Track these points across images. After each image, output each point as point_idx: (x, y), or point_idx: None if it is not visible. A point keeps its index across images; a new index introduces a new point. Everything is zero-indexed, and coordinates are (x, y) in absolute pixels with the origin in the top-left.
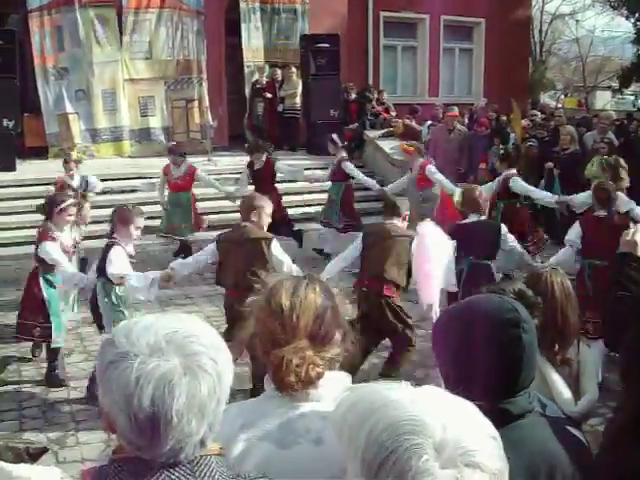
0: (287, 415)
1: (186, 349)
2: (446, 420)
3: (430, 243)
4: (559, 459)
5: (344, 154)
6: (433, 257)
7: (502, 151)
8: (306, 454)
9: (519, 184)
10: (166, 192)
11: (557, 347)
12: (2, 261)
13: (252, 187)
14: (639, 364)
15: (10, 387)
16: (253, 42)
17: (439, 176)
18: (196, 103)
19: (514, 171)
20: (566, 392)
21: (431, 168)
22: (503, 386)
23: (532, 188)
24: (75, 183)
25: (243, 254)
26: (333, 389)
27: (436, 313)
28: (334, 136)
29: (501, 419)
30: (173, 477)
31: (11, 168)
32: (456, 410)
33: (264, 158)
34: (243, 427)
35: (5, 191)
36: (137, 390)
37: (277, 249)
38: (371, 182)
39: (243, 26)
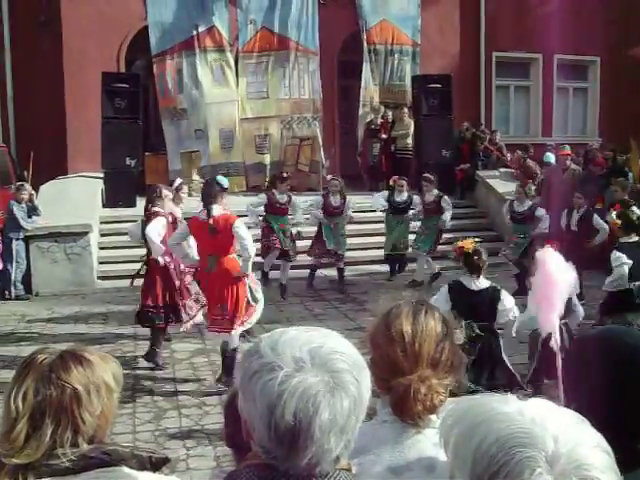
0: (400, 441)
1: (330, 365)
2: (557, 432)
3: (553, 270)
4: None
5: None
6: (555, 285)
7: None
8: None
9: None
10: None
11: None
12: (121, 292)
13: None
14: None
15: (125, 410)
16: (370, 83)
17: None
18: (309, 142)
19: None
20: None
21: None
22: (636, 427)
23: None
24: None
25: None
26: None
27: (557, 342)
28: (428, 175)
29: (633, 460)
30: None
31: (132, 204)
32: (567, 422)
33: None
34: (356, 451)
35: (125, 226)
36: (281, 402)
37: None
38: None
39: (364, 66)
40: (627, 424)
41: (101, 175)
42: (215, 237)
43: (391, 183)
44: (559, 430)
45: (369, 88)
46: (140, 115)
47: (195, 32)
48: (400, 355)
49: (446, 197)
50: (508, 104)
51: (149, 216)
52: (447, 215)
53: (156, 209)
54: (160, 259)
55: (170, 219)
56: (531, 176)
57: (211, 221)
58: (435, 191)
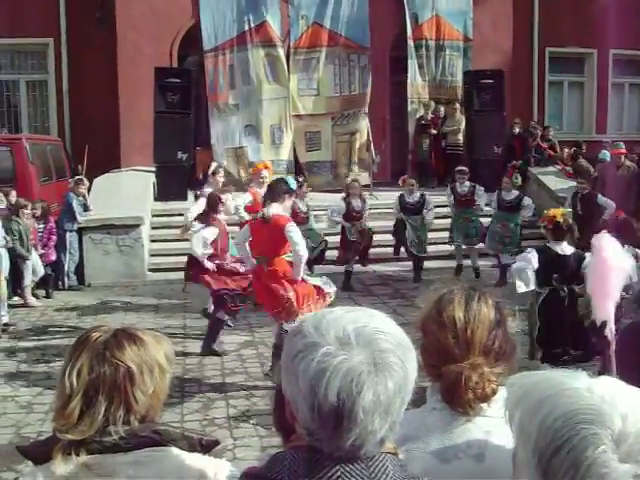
0: (450, 429)
1: (374, 345)
2: (626, 411)
3: (609, 257)
4: None
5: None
6: (611, 271)
7: None
8: (466, 470)
9: None
10: None
11: None
12: (170, 285)
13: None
14: None
15: (173, 400)
16: (418, 79)
17: None
18: (358, 135)
19: None
20: None
21: None
22: None
23: None
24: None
25: None
26: (499, 404)
27: (611, 330)
28: (463, 167)
29: None
30: (347, 472)
31: (183, 197)
32: (637, 402)
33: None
34: (405, 438)
35: (176, 219)
36: (324, 382)
37: None
38: None
39: (410, 62)
40: None
41: (153, 169)
42: (263, 237)
43: (400, 183)
44: (628, 409)
45: (416, 84)
46: (192, 110)
47: (247, 27)
48: (452, 341)
49: (479, 186)
50: (561, 100)
51: (209, 221)
52: (482, 201)
53: (218, 216)
54: (208, 264)
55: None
56: (583, 174)
57: (263, 220)
58: (468, 183)
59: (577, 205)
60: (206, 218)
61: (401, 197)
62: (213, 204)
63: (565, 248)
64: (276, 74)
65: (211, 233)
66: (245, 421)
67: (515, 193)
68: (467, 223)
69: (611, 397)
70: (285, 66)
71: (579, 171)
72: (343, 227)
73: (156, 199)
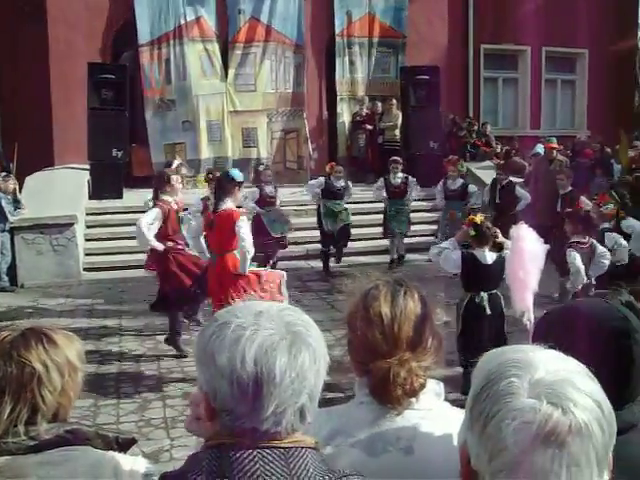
0: (379, 422)
1: (286, 319)
2: (552, 368)
3: (526, 247)
4: None
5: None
6: (528, 262)
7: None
8: (395, 463)
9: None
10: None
11: None
12: (107, 284)
13: None
14: None
15: (109, 401)
16: (348, 76)
17: None
18: (295, 134)
19: None
20: None
21: None
22: (608, 399)
23: None
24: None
25: None
26: (428, 397)
27: (530, 320)
28: (397, 157)
29: None
30: (267, 467)
31: (118, 196)
32: (569, 366)
33: None
34: (332, 433)
35: (112, 217)
36: (240, 350)
37: None
38: None
39: (337, 60)
40: (610, 392)
41: (87, 167)
42: (214, 232)
43: (327, 169)
44: (556, 367)
45: (344, 81)
46: (127, 106)
47: (183, 22)
48: (379, 337)
49: (411, 177)
50: (497, 96)
51: (158, 204)
52: (413, 192)
53: (165, 197)
54: (157, 245)
55: (176, 206)
56: (518, 170)
57: (213, 215)
58: (401, 174)
59: (496, 194)
60: (155, 202)
61: (326, 181)
62: (158, 185)
63: (487, 255)
64: (213, 69)
65: (151, 217)
66: (182, 421)
67: (460, 181)
68: (400, 214)
69: (548, 357)
70: (221, 61)
71: (513, 167)
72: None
73: (91, 197)
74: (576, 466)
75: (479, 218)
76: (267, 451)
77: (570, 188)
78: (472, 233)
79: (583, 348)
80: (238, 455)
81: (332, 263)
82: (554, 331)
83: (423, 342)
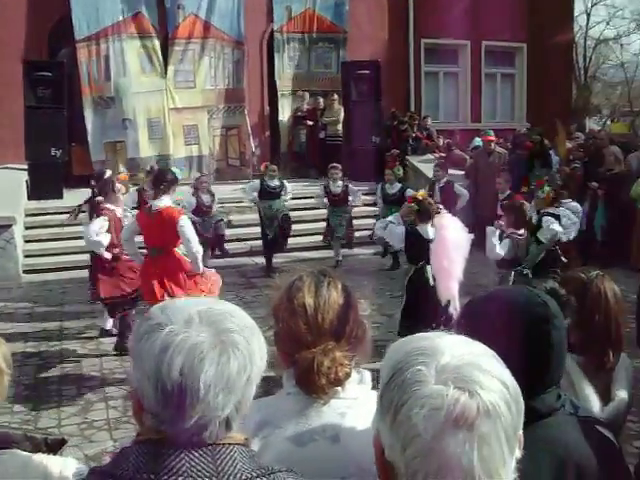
0: (305, 413)
1: (219, 324)
2: (458, 352)
3: (449, 237)
4: (587, 459)
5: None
6: (452, 251)
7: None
8: (322, 452)
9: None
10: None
11: (610, 356)
12: (48, 286)
13: None
14: None
15: (50, 405)
16: (287, 71)
17: None
18: (236, 131)
19: None
20: (592, 396)
21: None
22: (529, 384)
23: None
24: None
25: None
26: (353, 386)
27: (456, 309)
28: (337, 164)
29: (527, 417)
30: (193, 463)
31: (58, 196)
32: (474, 350)
33: None
34: (260, 424)
35: (52, 218)
36: (167, 358)
37: None
38: None
39: (276, 56)
40: (522, 381)
41: (25, 167)
42: (154, 229)
43: (261, 168)
44: (461, 352)
45: (286, 77)
46: (65, 104)
47: (121, 17)
48: (303, 328)
49: (351, 185)
50: (437, 90)
51: (99, 211)
52: (355, 200)
53: (107, 205)
54: (106, 254)
55: (119, 213)
56: (459, 163)
57: (153, 210)
58: (341, 182)
59: (434, 195)
60: (96, 208)
61: (262, 181)
62: (105, 191)
63: (429, 230)
64: (152, 66)
65: (98, 226)
66: (125, 422)
67: (398, 186)
68: (339, 220)
69: (453, 342)
70: (161, 58)
71: (454, 161)
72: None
73: (30, 198)
74: (487, 446)
75: (421, 194)
76: (194, 448)
77: (508, 192)
78: (415, 208)
79: (504, 334)
80: (164, 452)
81: (277, 259)
82: (476, 318)
83: (347, 332)
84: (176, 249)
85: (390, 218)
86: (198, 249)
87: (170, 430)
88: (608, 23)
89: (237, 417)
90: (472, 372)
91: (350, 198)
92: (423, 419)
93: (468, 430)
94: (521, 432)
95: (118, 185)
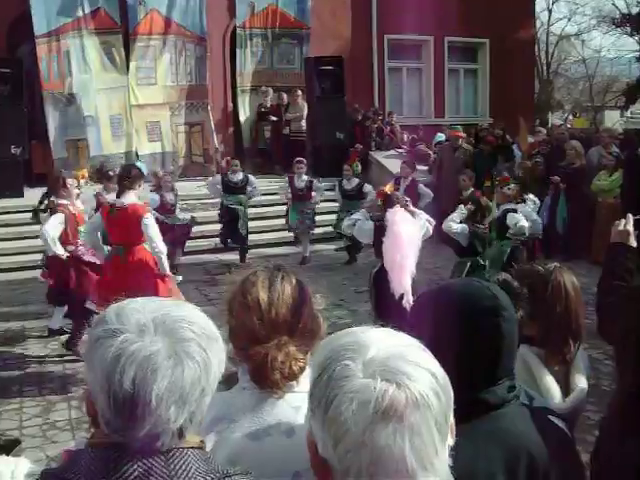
0: (259, 407)
1: (175, 333)
2: (384, 345)
3: (401, 231)
4: (539, 449)
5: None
6: (405, 246)
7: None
8: (277, 446)
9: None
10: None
11: (571, 346)
12: (9, 286)
13: None
14: (632, 350)
15: (12, 406)
16: (250, 67)
17: None
18: (199, 128)
19: None
20: (554, 388)
21: None
22: (481, 376)
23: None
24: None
25: None
26: (308, 380)
27: (409, 302)
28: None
29: (480, 409)
30: (146, 467)
31: (19, 194)
32: (399, 342)
33: None
34: (215, 419)
35: (12, 217)
36: (119, 369)
37: None
38: None
39: (238, 52)
40: (465, 375)
41: None
42: (119, 226)
43: (224, 164)
44: (386, 344)
45: (248, 73)
46: (25, 101)
47: (81, 13)
48: (257, 323)
49: (316, 181)
50: (401, 86)
51: (53, 209)
52: (319, 195)
53: (61, 201)
54: (60, 251)
55: (74, 210)
56: (423, 158)
57: (117, 205)
58: (305, 177)
59: (399, 189)
60: (52, 208)
61: (224, 177)
62: (55, 187)
63: None
64: (114, 62)
65: (54, 223)
66: (88, 422)
67: (356, 181)
68: (304, 215)
69: (378, 336)
70: (123, 54)
71: (419, 156)
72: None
73: None
74: (418, 436)
75: (389, 188)
76: (147, 454)
77: (471, 189)
78: (379, 204)
79: (454, 327)
80: (117, 457)
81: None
82: (426, 311)
83: (301, 326)
84: (144, 245)
85: (356, 215)
86: (161, 248)
87: (122, 438)
88: (569, 20)
89: (191, 427)
90: (399, 364)
91: (314, 194)
92: (352, 413)
93: (398, 421)
94: (453, 420)
95: (69, 180)
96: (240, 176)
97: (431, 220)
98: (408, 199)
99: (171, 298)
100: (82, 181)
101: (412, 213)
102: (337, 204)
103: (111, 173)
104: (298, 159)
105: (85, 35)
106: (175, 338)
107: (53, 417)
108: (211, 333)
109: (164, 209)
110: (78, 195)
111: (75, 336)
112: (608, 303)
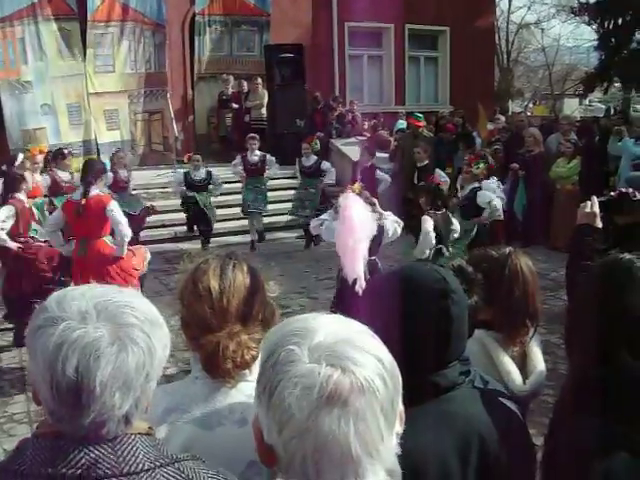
0: (212, 396)
1: (118, 319)
2: (330, 330)
3: (353, 216)
4: (489, 432)
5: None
6: (356, 230)
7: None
8: (229, 435)
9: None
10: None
11: (529, 329)
12: None
13: None
14: (581, 327)
15: None
16: (208, 54)
17: None
18: (159, 116)
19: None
20: (514, 371)
21: None
22: (431, 359)
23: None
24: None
25: None
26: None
27: (362, 287)
28: (254, 134)
29: (430, 392)
30: (93, 455)
31: None
32: (348, 328)
33: None
34: (168, 410)
35: None
36: (61, 357)
37: None
38: None
39: (197, 39)
40: (415, 358)
41: None
42: (83, 219)
43: (185, 160)
44: (333, 330)
45: (206, 60)
46: None
47: None
48: (208, 312)
49: (269, 156)
50: (362, 73)
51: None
52: (273, 170)
53: (17, 195)
54: (10, 244)
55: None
56: (384, 145)
57: (83, 202)
58: (259, 152)
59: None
60: (5, 198)
61: (186, 174)
62: (12, 184)
63: None
64: (70, 50)
65: (3, 215)
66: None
67: (314, 158)
68: (256, 192)
69: (326, 321)
70: (80, 41)
71: (380, 143)
72: None
73: None
74: (363, 422)
75: (357, 187)
76: (93, 442)
77: (426, 162)
78: None
79: (403, 311)
80: (63, 446)
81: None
82: (376, 295)
83: (254, 314)
84: (105, 239)
85: (324, 216)
86: (127, 232)
87: (67, 427)
88: (529, 8)
89: (136, 412)
90: (345, 349)
91: (267, 168)
92: (296, 399)
93: (342, 407)
94: (402, 407)
95: (26, 174)
96: (203, 174)
97: (399, 221)
98: (375, 200)
99: (127, 284)
100: (39, 156)
101: (380, 214)
102: (293, 192)
103: (65, 151)
104: (251, 135)
105: (40, 21)
106: (118, 324)
107: (11, 410)
108: (154, 318)
109: (117, 186)
110: (37, 167)
111: (21, 330)
112: (576, 284)
